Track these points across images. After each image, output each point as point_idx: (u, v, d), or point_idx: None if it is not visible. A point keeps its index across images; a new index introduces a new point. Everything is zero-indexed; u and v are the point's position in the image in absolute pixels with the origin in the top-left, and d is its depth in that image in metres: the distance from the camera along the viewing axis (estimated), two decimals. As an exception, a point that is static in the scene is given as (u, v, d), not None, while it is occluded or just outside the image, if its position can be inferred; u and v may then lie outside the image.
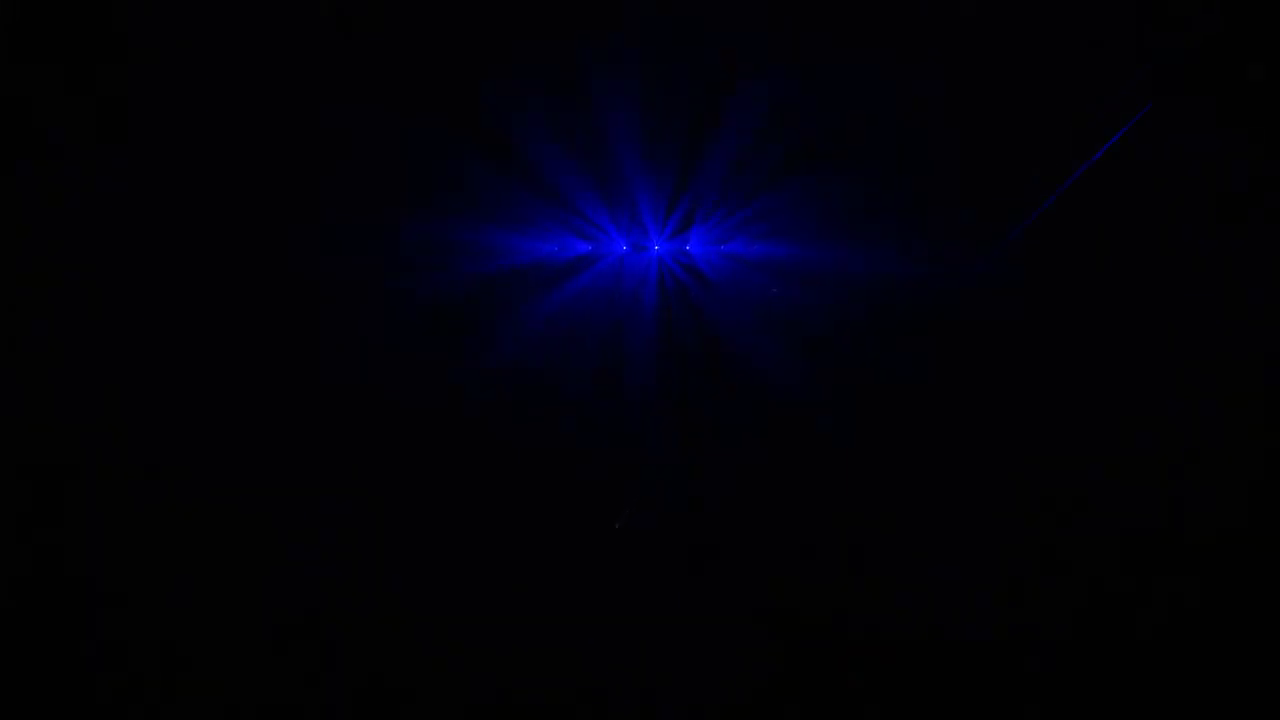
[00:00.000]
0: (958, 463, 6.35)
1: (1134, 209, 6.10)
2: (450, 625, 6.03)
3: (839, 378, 6.62)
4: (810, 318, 6.69)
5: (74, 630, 5.76)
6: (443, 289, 6.61)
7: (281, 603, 6.00)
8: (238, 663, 5.82)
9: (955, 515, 6.26)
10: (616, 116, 6.22)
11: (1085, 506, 6.09)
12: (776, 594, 6.20)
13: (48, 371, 6.02)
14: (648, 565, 6.35)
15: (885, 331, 6.58)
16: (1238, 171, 5.85)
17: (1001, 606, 5.97)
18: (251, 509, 6.14)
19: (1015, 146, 6.23)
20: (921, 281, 6.55)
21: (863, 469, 6.45)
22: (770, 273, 6.72)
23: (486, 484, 6.45)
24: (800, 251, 6.65)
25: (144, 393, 6.15)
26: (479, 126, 6.19)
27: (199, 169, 6.08)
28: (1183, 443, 6.00)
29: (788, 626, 6.06)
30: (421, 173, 6.33)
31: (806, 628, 6.04)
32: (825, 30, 5.99)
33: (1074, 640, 5.80)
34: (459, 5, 5.91)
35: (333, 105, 6.03)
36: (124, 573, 5.92)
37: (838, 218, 6.53)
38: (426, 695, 5.83)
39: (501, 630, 6.04)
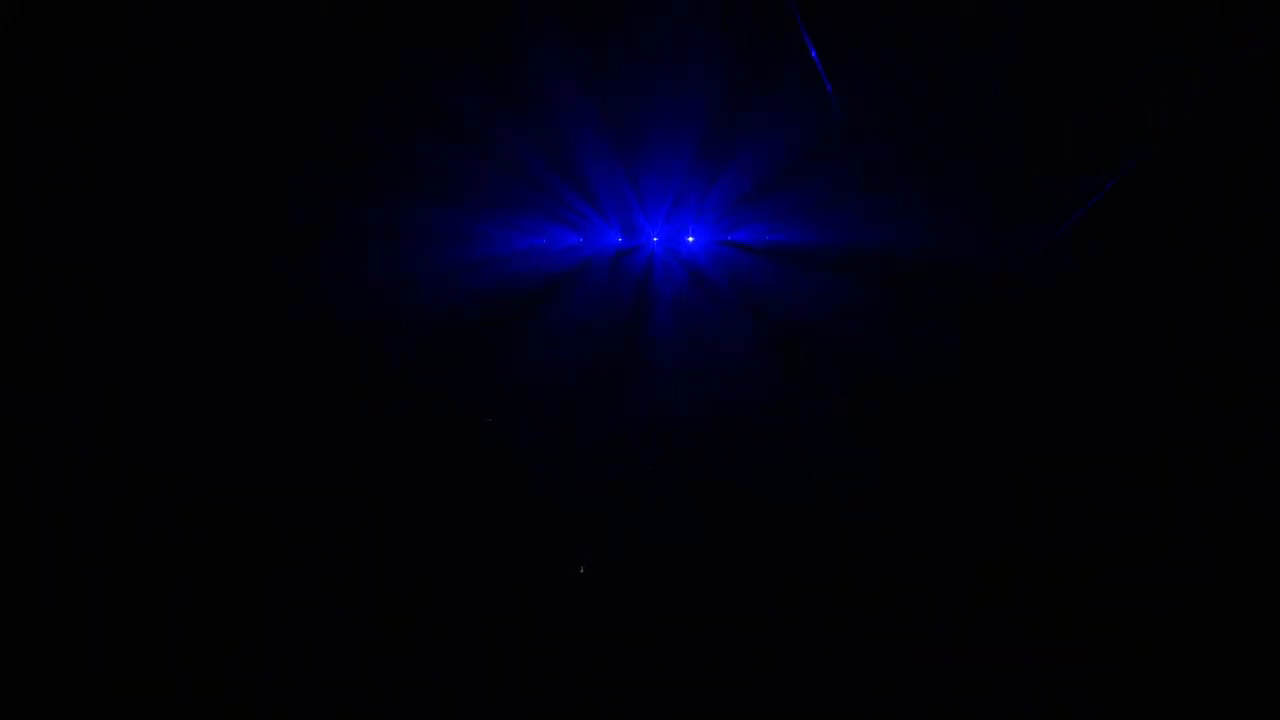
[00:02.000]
0: (959, 460, 6.36)
1: (1146, 209, 6.09)
2: (449, 625, 6.05)
3: (842, 373, 6.63)
4: (814, 314, 6.69)
5: (75, 630, 5.76)
6: (442, 289, 6.63)
7: (281, 603, 6.02)
8: (237, 662, 5.83)
9: (958, 513, 6.27)
10: (628, 100, 6.15)
11: (1087, 503, 6.10)
12: (778, 593, 6.22)
13: (48, 371, 6.02)
14: (646, 565, 6.36)
15: (887, 327, 6.60)
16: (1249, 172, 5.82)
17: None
18: (252, 510, 6.16)
19: (1023, 147, 6.23)
20: (924, 279, 6.56)
21: (864, 467, 6.47)
22: (776, 261, 6.71)
23: (484, 482, 6.47)
24: (802, 243, 6.63)
25: (144, 392, 6.17)
26: (475, 125, 6.19)
27: (199, 169, 6.09)
28: (1184, 442, 6.01)
29: (789, 626, 6.07)
30: (419, 172, 6.33)
31: (809, 627, 6.06)
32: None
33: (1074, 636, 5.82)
34: (451, 5, 5.91)
35: (332, 105, 6.03)
36: (124, 573, 5.93)
37: (839, 215, 6.54)
38: (425, 694, 5.84)
39: (500, 630, 6.05)
